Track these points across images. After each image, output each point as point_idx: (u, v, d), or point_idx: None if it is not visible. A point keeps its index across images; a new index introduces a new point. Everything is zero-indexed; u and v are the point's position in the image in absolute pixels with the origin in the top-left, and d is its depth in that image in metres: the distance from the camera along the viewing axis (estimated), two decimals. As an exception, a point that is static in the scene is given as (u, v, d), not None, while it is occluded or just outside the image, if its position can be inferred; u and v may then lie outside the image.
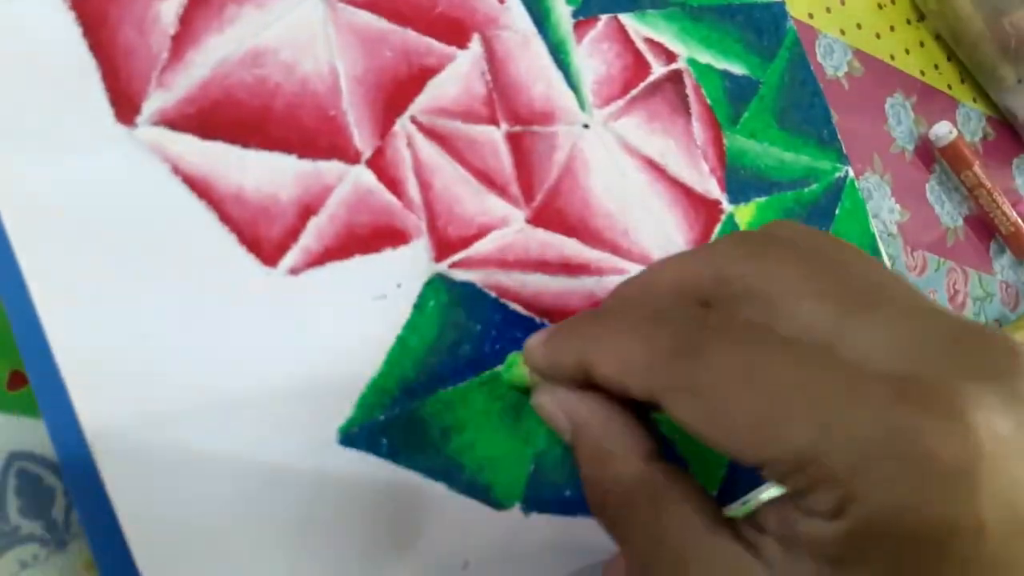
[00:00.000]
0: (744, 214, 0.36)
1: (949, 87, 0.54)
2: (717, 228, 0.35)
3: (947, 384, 0.17)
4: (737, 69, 0.37)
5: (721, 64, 0.37)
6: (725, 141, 0.36)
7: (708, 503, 0.22)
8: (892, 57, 0.50)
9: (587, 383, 0.24)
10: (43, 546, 0.21)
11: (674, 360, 0.20)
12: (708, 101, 0.36)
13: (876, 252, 0.40)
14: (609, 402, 0.24)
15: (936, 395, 0.17)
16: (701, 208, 0.34)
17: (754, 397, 0.19)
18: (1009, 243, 0.52)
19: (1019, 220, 0.51)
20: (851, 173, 0.40)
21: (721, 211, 0.35)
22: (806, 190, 0.38)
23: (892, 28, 0.51)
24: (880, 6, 0.51)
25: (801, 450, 0.18)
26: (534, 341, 0.26)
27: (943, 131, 0.49)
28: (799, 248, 0.22)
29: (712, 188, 0.35)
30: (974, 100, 0.55)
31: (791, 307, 0.20)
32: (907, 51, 0.51)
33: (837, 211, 0.39)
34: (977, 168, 0.49)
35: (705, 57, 0.36)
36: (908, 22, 0.53)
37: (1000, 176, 0.54)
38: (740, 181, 0.36)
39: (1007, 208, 0.50)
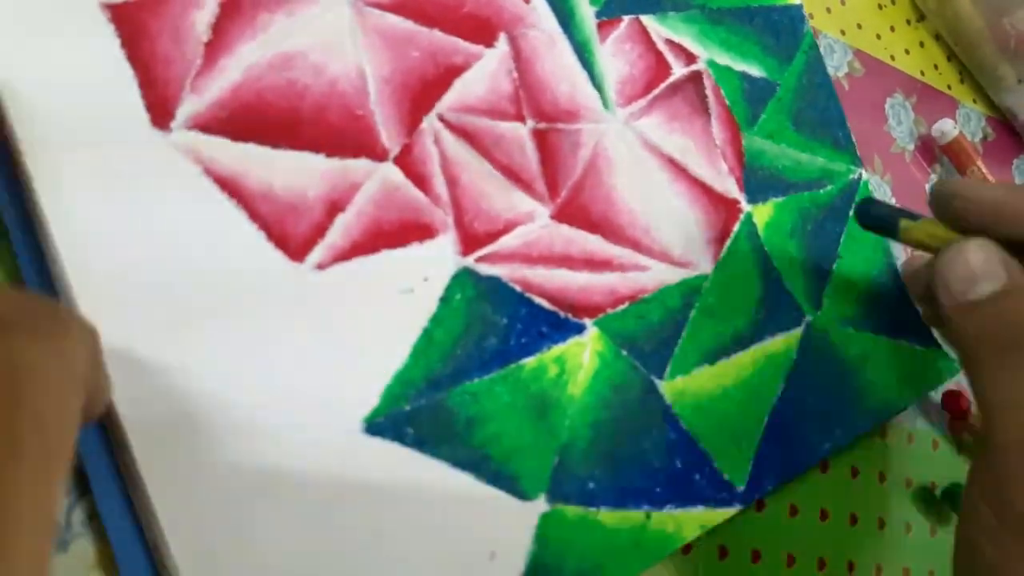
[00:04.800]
0: (762, 214, 0.34)
1: (949, 87, 0.51)
2: (736, 227, 0.33)
3: None
4: (755, 71, 0.35)
5: (740, 66, 0.35)
6: (743, 141, 0.34)
7: None
8: (892, 57, 0.47)
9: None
10: (44, 546, 0.19)
11: None
12: (727, 102, 0.34)
13: (888, 254, 0.38)
14: None
15: None
16: (720, 207, 0.33)
17: None
18: (1012, 240, 0.48)
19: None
20: (864, 175, 0.38)
21: (740, 210, 0.33)
22: (821, 191, 0.36)
23: (892, 28, 0.48)
24: (880, 6, 0.48)
25: None
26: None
27: (946, 127, 0.46)
28: None
29: (731, 187, 0.33)
30: (974, 100, 0.52)
31: None
32: (907, 51, 0.48)
33: (851, 212, 0.37)
34: (981, 164, 0.46)
35: (724, 59, 0.34)
36: (908, 22, 0.49)
37: (1000, 176, 0.51)
38: (758, 181, 0.34)
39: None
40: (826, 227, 0.36)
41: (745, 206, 0.33)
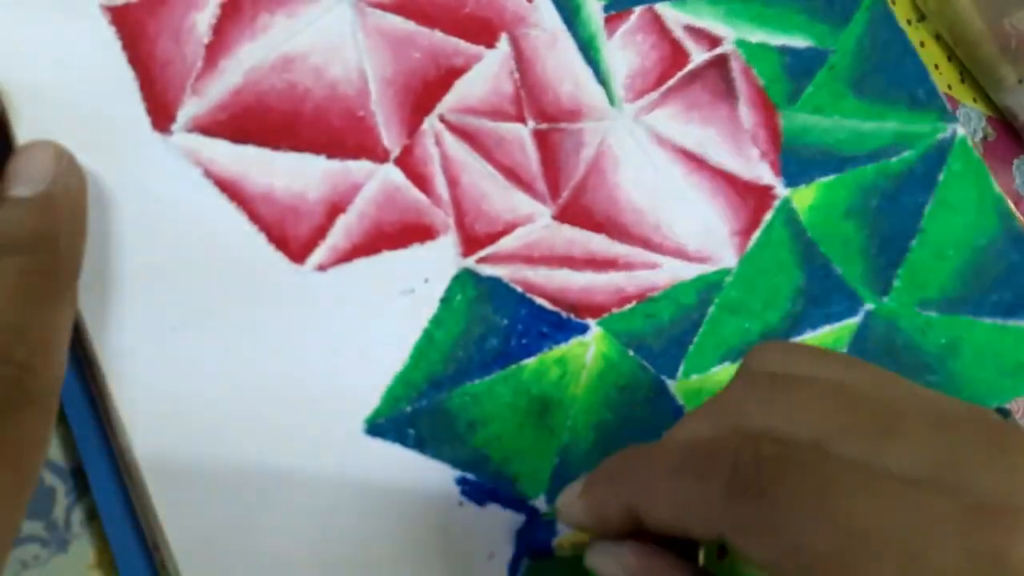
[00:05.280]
0: (805, 197, 0.31)
1: (949, 87, 0.49)
2: (768, 215, 0.31)
3: (1008, 502, 0.16)
4: (799, 42, 0.33)
5: (778, 40, 0.32)
6: (781, 121, 0.32)
7: None
8: (892, 57, 0.46)
9: (634, 529, 0.21)
10: (44, 547, 0.20)
11: (736, 500, 0.18)
12: (760, 82, 0.32)
13: (1006, 215, 0.34)
14: (672, 563, 0.21)
15: (1004, 514, 0.16)
16: (748, 196, 0.31)
17: (832, 533, 0.17)
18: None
19: (1025, 217, 0.46)
20: (960, 131, 0.34)
21: (774, 196, 0.31)
22: (894, 159, 0.33)
23: (892, 28, 0.47)
24: (880, 6, 0.46)
25: None
26: (569, 497, 0.22)
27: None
28: (805, 385, 0.20)
29: (763, 173, 0.31)
30: (974, 100, 0.51)
31: (826, 447, 0.18)
32: (907, 51, 0.47)
33: (941, 176, 0.33)
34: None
35: (758, 36, 0.32)
36: (908, 22, 0.48)
37: (1001, 176, 0.50)
38: (800, 162, 0.32)
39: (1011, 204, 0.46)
40: (901, 200, 0.32)
41: (782, 191, 0.31)
